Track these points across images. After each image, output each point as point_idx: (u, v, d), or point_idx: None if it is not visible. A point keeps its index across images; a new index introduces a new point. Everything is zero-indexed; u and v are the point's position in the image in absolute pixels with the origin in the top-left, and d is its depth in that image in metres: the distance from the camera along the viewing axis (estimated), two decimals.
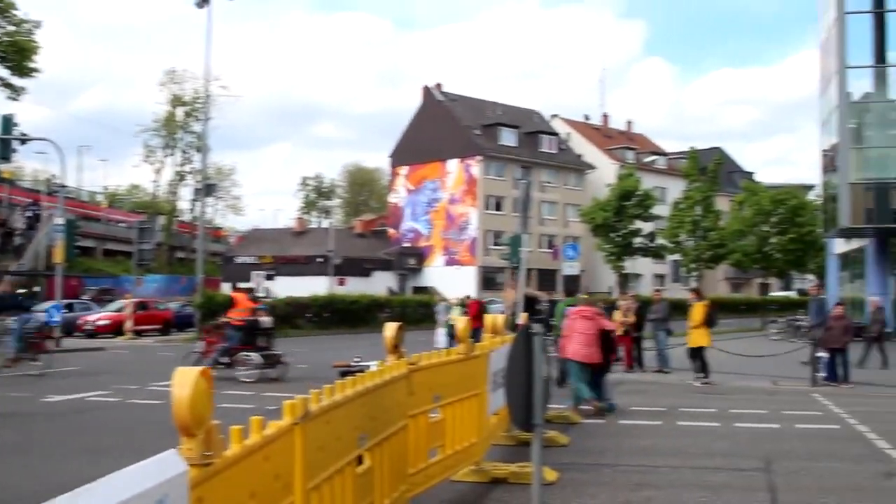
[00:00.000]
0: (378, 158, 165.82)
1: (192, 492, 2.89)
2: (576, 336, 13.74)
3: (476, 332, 13.56)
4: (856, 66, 35.88)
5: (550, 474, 8.59)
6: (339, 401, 4.86)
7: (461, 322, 8.86)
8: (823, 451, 10.62)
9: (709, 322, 19.54)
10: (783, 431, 12.28)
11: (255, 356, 18.99)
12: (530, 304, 21.18)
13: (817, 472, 9.26)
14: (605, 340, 13.88)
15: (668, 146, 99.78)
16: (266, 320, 20.20)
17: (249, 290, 23.68)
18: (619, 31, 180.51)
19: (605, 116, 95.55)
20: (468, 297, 31.08)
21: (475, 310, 25.62)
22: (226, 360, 19.12)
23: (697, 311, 19.59)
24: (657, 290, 25.61)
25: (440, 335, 26.96)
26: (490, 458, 9.11)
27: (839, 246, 42.26)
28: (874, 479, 8.99)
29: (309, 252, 72.13)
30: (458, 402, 8.00)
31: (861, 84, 36.98)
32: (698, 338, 19.39)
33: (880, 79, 36.86)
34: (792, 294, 75.35)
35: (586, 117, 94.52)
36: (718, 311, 20.22)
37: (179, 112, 77.46)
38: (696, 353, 19.42)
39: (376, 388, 5.68)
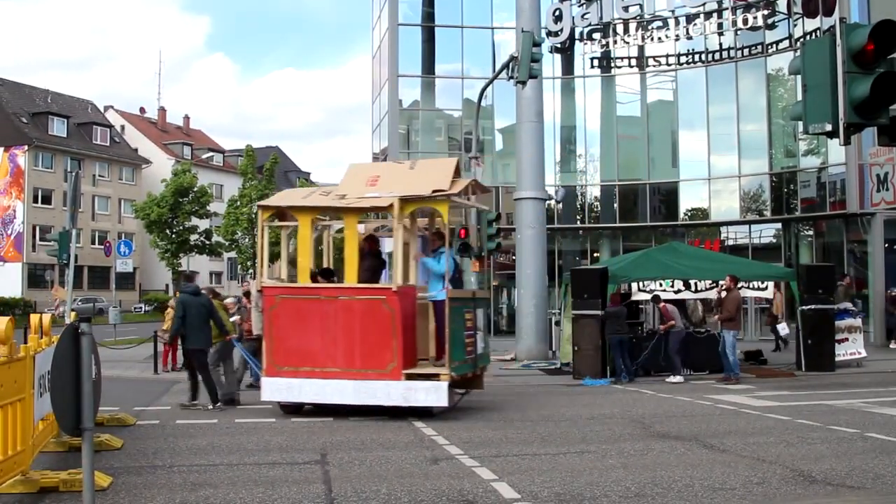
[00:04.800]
0: None
1: None
2: None
3: None
4: (406, 75, 38.34)
5: (103, 479, 8.28)
6: None
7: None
8: (375, 441, 11.14)
9: None
10: (337, 424, 12.70)
11: None
12: None
13: (369, 461, 9.66)
14: None
15: (227, 143, 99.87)
16: None
17: None
18: (182, 25, 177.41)
19: (163, 111, 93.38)
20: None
21: None
22: None
23: None
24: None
25: None
26: (39, 466, 8.62)
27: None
28: (421, 465, 9.52)
29: None
30: (1, 408, 7.47)
31: (411, 92, 39.60)
32: None
33: (428, 88, 39.71)
34: None
35: (142, 110, 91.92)
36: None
37: None
38: None
39: None
